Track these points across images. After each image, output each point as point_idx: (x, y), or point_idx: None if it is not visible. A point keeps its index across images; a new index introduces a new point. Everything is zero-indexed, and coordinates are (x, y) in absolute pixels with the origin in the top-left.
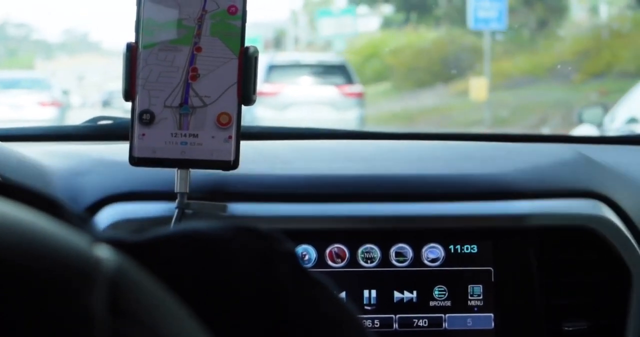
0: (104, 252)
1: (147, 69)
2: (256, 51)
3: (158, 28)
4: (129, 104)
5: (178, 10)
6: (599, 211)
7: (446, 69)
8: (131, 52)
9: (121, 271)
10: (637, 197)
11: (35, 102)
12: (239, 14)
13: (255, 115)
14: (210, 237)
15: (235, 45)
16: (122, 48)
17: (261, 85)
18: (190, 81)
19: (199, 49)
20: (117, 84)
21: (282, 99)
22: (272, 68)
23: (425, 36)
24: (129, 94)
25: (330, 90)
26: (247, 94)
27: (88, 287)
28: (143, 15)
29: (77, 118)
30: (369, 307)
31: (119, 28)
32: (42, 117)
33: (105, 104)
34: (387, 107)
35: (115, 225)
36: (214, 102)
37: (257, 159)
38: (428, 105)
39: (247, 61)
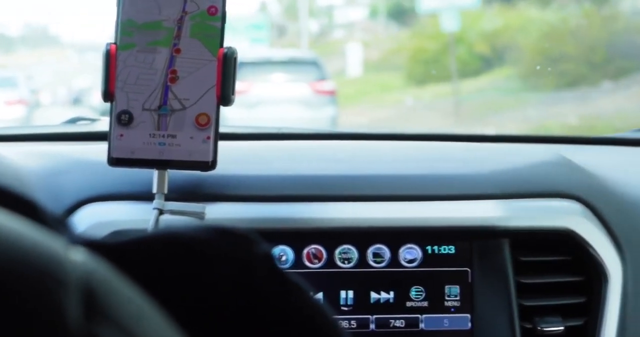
0: (78, 256)
1: (126, 71)
2: (235, 52)
3: (137, 29)
4: (98, 103)
5: (158, 11)
6: (575, 212)
7: (610, 58)
8: (110, 53)
9: (96, 275)
10: (614, 198)
11: (1, 101)
12: (219, 14)
13: (223, 114)
14: (187, 240)
15: (214, 46)
16: (102, 48)
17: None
18: (169, 84)
19: (178, 51)
20: (82, 80)
21: (251, 98)
22: (240, 65)
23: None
24: (107, 95)
25: (301, 88)
26: (226, 94)
27: (62, 291)
28: (122, 16)
29: (45, 117)
30: (345, 308)
31: (80, 21)
32: (9, 116)
33: (76, 101)
34: (521, 115)
35: (93, 226)
36: (193, 105)
37: (235, 159)
38: (602, 111)
39: (226, 62)
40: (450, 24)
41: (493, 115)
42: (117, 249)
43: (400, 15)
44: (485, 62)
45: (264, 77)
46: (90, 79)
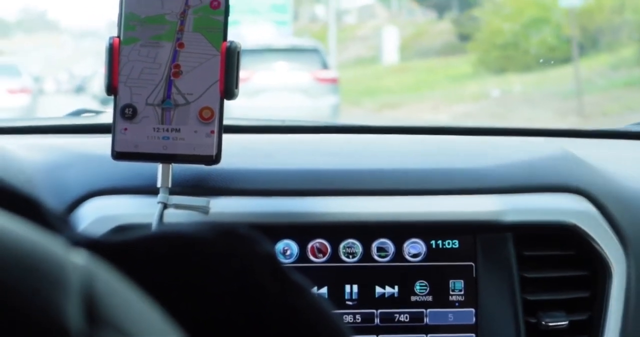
0: (79, 258)
1: (129, 66)
2: (238, 46)
3: (140, 23)
4: (102, 91)
5: (161, 5)
6: (580, 206)
7: None
8: (113, 47)
9: (97, 278)
10: (618, 192)
11: (3, 90)
12: (222, 8)
13: (225, 103)
14: (189, 240)
15: (217, 40)
16: (98, 34)
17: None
18: (172, 78)
19: (181, 45)
20: (81, 66)
21: (252, 86)
22: (242, 53)
23: None
24: (111, 89)
25: (303, 76)
26: (229, 89)
27: (62, 295)
28: (125, 10)
29: (50, 106)
30: (350, 302)
31: (79, 6)
32: (12, 105)
33: (79, 89)
34: None
35: (98, 220)
36: (196, 100)
37: (239, 153)
38: None
39: (229, 56)
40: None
41: (630, 113)
42: (119, 248)
43: None
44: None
45: (266, 65)
46: (91, 65)
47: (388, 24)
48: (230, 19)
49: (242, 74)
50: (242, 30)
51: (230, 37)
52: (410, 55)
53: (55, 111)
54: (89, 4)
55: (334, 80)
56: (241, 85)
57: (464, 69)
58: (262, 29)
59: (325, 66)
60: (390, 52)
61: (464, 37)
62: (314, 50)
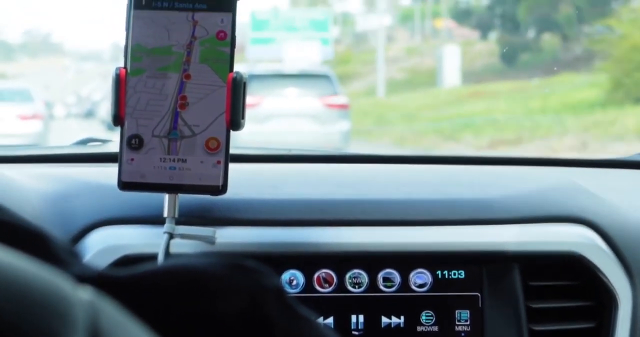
0: (85, 294)
1: (136, 97)
2: (244, 77)
3: (147, 54)
4: (110, 117)
5: (167, 36)
6: (585, 237)
7: None
8: (119, 78)
9: (103, 314)
10: (624, 223)
11: (15, 116)
12: (228, 39)
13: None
14: (197, 274)
15: (224, 71)
16: (112, 73)
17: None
18: (179, 110)
19: (188, 77)
20: (89, 89)
21: (262, 111)
22: (251, 78)
23: None
24: (117, 119)
25: (313, 102)
26: (235, 119)
27: (68, 330)
28: (132, 41)
29: (62, 132)
30: (356, 332)
31: (82, 29)
32: (24, 131)
33: (89, 114)
34: None
35: (104, 250)
36: (202, 132)
37: (245, 183)
38: None
39: (235, 87)
40: None
41: None
42: (126, 283)
43: (466, 16)
44: None
45: (276, 90)
46: (97, 88)
47: (448, 44)
48: (264, 36)
49: (252, 99)
50: (284, 49)
51: (270, 56)
52: (473, 77)
53: (68, 138)
54: (92, 27)
55: (344, 107)
56: (251, 110)
57: (585, 93)
58: (305, 47)
59: (335, 92)
60: (452, 74)
61: (509, 58)
62: (324, 76)
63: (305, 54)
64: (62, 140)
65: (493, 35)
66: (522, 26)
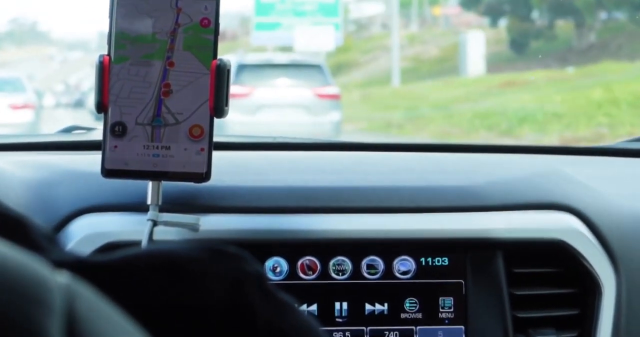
0: (63, 278)
1: (119, 84)
2: (228, 64)
3: (130, 42)
4: None
5: (151, 23)
6: (569, 224)
7: None
8: (103, 65)
9: (80, 299)
10: (608, 210)
11: (6, 105)
12: (212, 26)
13: (225, 119)
14: (177, 259)
15: (207, 59)
16: (96, 60)
17: (230, 87)
18: (162, 97)
19: (171, 64)
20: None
21: (253, 101)
22: (242, 68)
23: None
24: (101, 107)
25: (304, 92)
26: (219, 107)
27: (45, 315)
28: (115, 29)
29: (53, 122)
30: (340, 320)
31: (69, 17)
32: (15, 121)
33: (78, 104)
34: None
35: (87, 237)
36: (186, 119)
37: (229, 170)
38: None
39: (219, 75)
40: None
41: None
42: (104, 268)
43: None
44: None
45: (267, 81)
46: (85, 77)
47: (472, 30)
48: (270, 20)
49: (243, 89)
50: (295, 35)
51: (277, 42)
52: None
53: (60, 127)
54: (79, 15)
55: (335, 97)
56: (242, 101)
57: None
58: (318, 33)
59: (327, 82)
60: (476, 62)
61: (520, 46)
62: (316, 66)
63: (319, 40)
64: (54, 130)
65: (503, 23)
66: (535, 12)
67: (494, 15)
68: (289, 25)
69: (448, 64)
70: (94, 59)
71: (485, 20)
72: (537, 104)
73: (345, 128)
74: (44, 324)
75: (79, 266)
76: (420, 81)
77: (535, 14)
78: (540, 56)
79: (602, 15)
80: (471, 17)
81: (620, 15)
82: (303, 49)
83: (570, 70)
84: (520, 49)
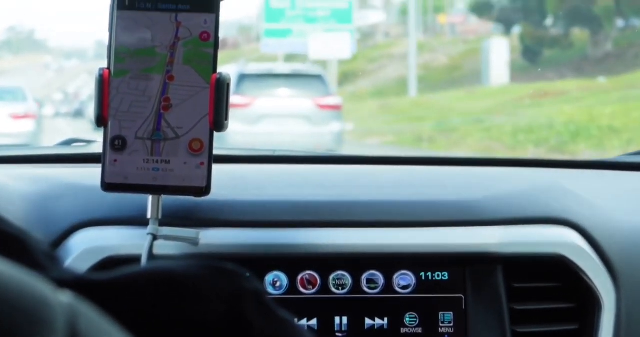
0: (65, 298)
1: (119, 98)
2: (227, 78)
3: (130, 55)
4: None
5: (151, 37)
6: (569, 238)
7: None
8: (103, 79)
9: (81, 316)
10: (608, 224)
11: (7, 115)
12: (211, 40)
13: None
14: (176, 277)
15: (207, 72)
16: (95, 74)
17: (231, 97)
18: (162, 111)
19: (171, 78)
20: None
21: (253, 112)
22: (243, 78)
23: None
24: (101, 120)
25: (305, 103)
26: (219, 121)
27: (48, 335)
28: (115, 42)
29: (54, 132)
30: (340, 334)
31: (66, 26)
32: (16, 130)
33: (78, 114)
34: None
35: (87, 251)
36: (186, 134)
37: (229, 184)
38: None
39: (218, 89)
40: None
41: None
42: (106, 286)
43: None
44: None
45: (268, 91)
46: (83, 86)
47: (494, 37)
48: (280, 27)
49: (244, 99)
50: (309, 42)
51: (288, 50)
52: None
53: (61, 138)
54: (76, 24)
55: (336, 107)
56: (243, 111)
57: None
58: (333, 40)
59: (328, 92)
60: (499, 70)
61: (533, 54)
62: (317, 77)
63: (335, 47)
64: (55, 140)
65: (516, 30)
66: (550, 20)
67: (506, 22)
68: (300, 32)
69: (459, 72)
70: (91, 67)
71: (492, 28)
72: (584, 116)
73: (368, 142)
74: None
75: (79, 285)
76: (434, 90)
77: (549, 22)
78: (553, 65)
79: (619, 23)
80: (477, 25)
81: (638, 23)
82: (318, 57)
83: (602, 79)
84: (534, 57)
